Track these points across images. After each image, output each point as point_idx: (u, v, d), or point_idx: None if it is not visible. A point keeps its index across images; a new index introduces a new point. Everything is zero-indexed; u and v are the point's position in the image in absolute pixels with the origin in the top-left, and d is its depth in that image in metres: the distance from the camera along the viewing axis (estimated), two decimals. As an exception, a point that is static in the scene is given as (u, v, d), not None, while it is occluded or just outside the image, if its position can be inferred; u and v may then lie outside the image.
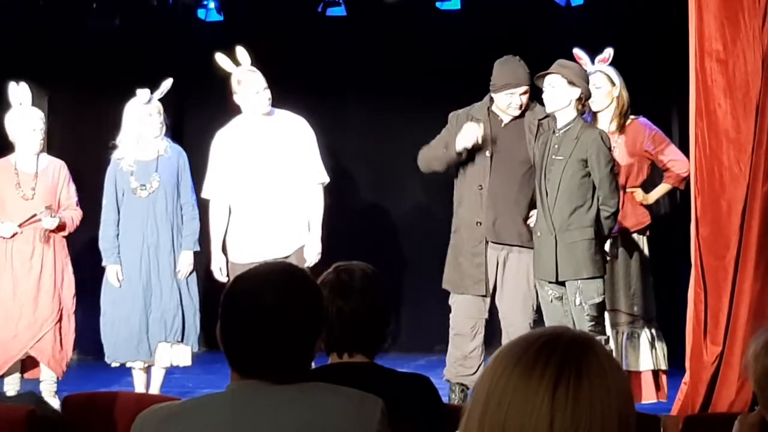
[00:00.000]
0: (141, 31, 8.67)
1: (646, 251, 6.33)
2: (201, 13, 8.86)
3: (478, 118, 6.00)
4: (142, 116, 6.35)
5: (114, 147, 6.43)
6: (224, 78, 6.73)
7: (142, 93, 6.39)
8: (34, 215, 6.31)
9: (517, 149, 5.97)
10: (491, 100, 6.03)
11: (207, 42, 8.74)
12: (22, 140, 6.38)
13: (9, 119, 6.41)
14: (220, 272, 6.26)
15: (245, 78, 6.24)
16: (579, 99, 5.67)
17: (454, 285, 6.04)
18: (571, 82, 5.63)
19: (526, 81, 5.91)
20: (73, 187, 6.52)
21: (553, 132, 5.73)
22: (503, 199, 5.92)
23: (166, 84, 6.47)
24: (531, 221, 5.94)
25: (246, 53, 6.32)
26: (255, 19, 8.54)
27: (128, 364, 6.39)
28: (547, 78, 5.67)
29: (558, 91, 5.65)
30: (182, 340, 6.33)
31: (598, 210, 5.62)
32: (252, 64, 6.31)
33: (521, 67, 5.94)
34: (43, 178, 6.39)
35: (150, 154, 6.37)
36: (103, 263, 6.39)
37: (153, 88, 6.50)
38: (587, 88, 5.70)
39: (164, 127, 6.43)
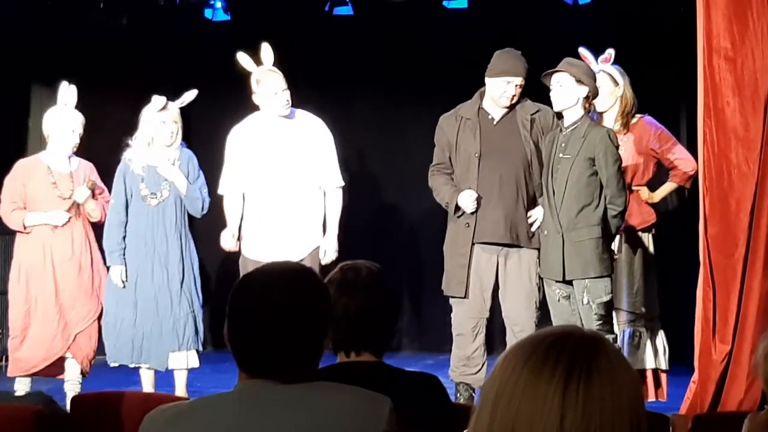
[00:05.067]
0: (148, 31, 8.68)
1: (651, 249, 6.33)
2: (208, 13, 8.88)
3: (468, 117, 5.99)
4: (156, 122, 6.33)
5: (126, 146, 6.42)
6: (231, 78, 6.73)
7: (157, 100, 6.36)
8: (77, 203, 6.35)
9: (510, 147, 5.94)
10: (481, 97, 6.02)
11: (214, 41, 8.78)
12: (58, 139, 6.41)
13: (48, 116, 6.45)
14: (233, 237, 6.27)
15: (265, 78, 6.20)
16: (586, 97, 5.67)
17: (443, 285, 6.05)
18: (579, 81, 5.63)
19: (524, 74, 5.90)
20: (104, 188, 6.54)
21: (560, 130, 5.73)
22: (498, 200, 5.89)
23: (189, 95, 6.44)
24: (531, 220, 5.92)
25: (270, 51, 6.28)
26: (262, 18, 8.55)
27: (131, 366, 6.41)
28: (555, 76, 5.66)
29: (566, 90, 5.64)
30: (195, 345, 6.37)
31: (605, 209, 5.62)
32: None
33: (521, 60, 5.93)
34: (76, 179, 6.44)
35: (161, 161, 6.36)
36: (107, 263, 6.40)
37: (160, 87, 6.50)
38: (595, 86, 5.70)
39: (179, 137, 6.40)
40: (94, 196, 6.43)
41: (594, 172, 5.60)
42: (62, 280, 6.35)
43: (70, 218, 6.35)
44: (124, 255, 6.36)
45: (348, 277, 3.02)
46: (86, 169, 6.53)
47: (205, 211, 6.44)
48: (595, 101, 5.92)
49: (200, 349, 6.44)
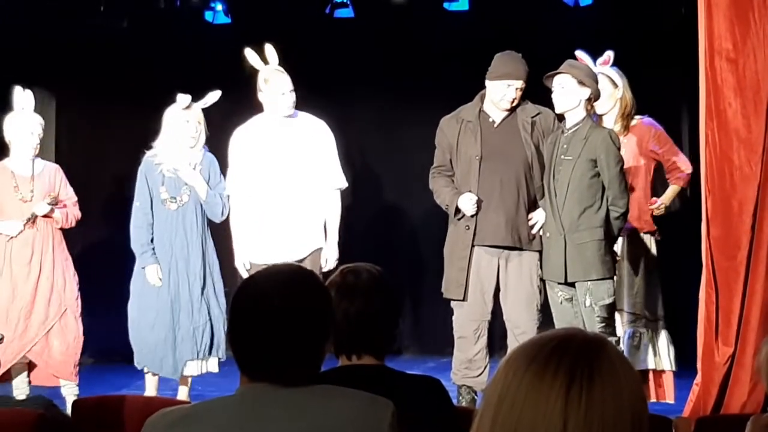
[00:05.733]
0: (148, 34, 8.68)
1: (653, 251, 6.33)
2: (208, 16, 8.87)
3: (469, 120, 5.99)
4: (179, 122, 6.30)
5: (147, 147, 6.39)
6: (232, 80, 6.72)
7: (183, 98, 6.32)
8: (36, 215, 6.33)
9: (511, 150, 5.94)
10: (482, 100, 6.02)
11: (214, 44, 8.77)
12: (19, 143, 6.40)
13: (8, 123, 6.45)
14: (243, 267, 6.26)
15: (273, 78, 6.22)
16: (588, 99, 5.67)
17: (443, 288, 6.05)
18: (581, 83, 5.62)
19: (524, 77, 5.90)
20: (70, 188, 6.54)
21: (562, 132, 5.73)
22: (499, 202, 5.90)
23: (212, 96, 6.40)
24: (532, 222, 5.92)
25: (274, 51, 6.29)
26: (262, 21, 8.54)
27: (147, 371, 6.37)
28: (557, 78, 5.66)
29: (567, 92, 5.64)
30: (210, 353, 6.32)
31: (608, 210, 5.61)
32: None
33: (522, 63, 5.93)
34: (39, 181, 6.42)
35: (182, 165, 6.30)
36: (141, 265, 6.31)
37: (161, 91, 6.49)
38: (597, 88, 5.69)
39: (202, 137, 6.36)
40: (57, 205, 6.39)
41: (596, 173, 5.60)
42: (20, 284, 6.30)
43: (22, 230, 6.29)
44: (154, 254, 6.29)
45: (348, 280, 3.01)
46: (51, 171, 6.50)
47: (224, 217, 6.39)
48: (594, 104, 5.92)
49: (221, 357, 6.34)
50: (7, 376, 6.41)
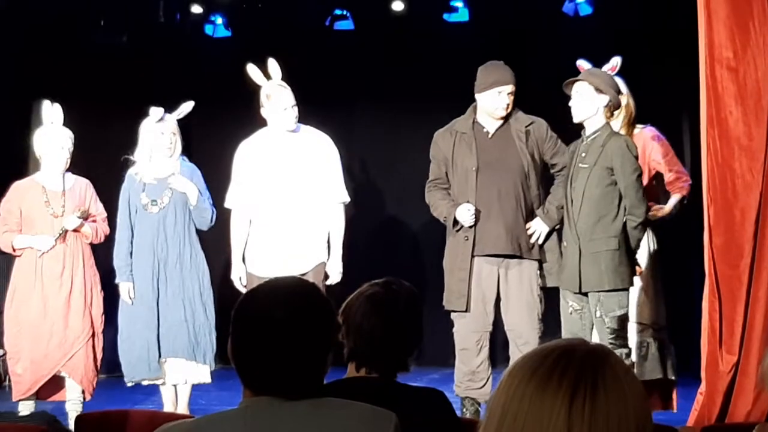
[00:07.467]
0: (149, 48, 8.69)
1: (656, 260, 6.30)
2: (209, 29, 8.89)
3: (463, 131, 5.99)
4: (155, 134, 6.35)
5: (129, 163, 6.43)
6: (232, 93, 6.72)
7: (155, 111, 6.38)
8: (66, 230, 6.32)
9: (507, 159, 5.94)
10: (474, 111, 6.02)
11: (215, 57, 8.78)
12: (49, 158, 6.40)
13: (38, 137, 6.45)
14: (240, 281, 6.27)
15: (275, 93, 6.24)
16: (607, 106, 5.60)
17: (444, 300, 6.05)
18: (598, 90, 5.56)
19: (513, 81, 5.90)
20: (100, 204, 6.55)
21: (582, 140, 5.66)
22: (498, 212, 5.89)
23: (186, 106, 6.46)
24: (530, 232, 5.91)
25: (277, 66, 6.31)
26: (262, 34, 8.56)
27: (144, 383, 6.38)
28: (575, 86, 5.61)
29: (584, 99, 5.57)
30: (196, 358, 6.30)
31: (626, 220, 5.54)
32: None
33: (507, 68, 5.94)
34: (70, 196, 6.41)
35: (163, 172, 6.37)
36: (116, 281, 6.40)
37: (162, 104, 6.51)
38: (616, 95, 5.60)
39: (178, 147, 6.42)
40: (87, 219, 6.39)
41: (612, 182, 5.51)
42: (51, 299, 6.29)
43: (54, 245, 6.30)
44: (131, 272, 6.35)
45: (386, 295, 3.02)
46: (82, 186, 6.50)
47: (212, 223, 6.44)
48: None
49: (212, 365, 6.35)
50: (58, 390, 6.40)
